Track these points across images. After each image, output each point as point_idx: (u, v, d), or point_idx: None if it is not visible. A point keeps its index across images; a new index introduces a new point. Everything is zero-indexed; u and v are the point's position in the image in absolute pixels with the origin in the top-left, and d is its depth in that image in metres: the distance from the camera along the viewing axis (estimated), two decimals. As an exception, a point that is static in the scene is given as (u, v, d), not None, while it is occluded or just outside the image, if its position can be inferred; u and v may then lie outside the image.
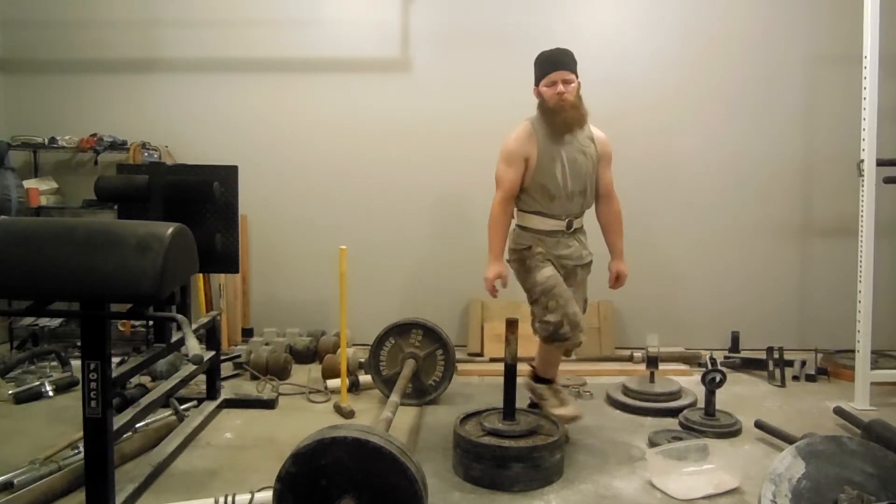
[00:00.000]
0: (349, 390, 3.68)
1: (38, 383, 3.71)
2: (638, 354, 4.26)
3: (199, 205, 3.20)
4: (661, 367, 3.93)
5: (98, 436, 2.26)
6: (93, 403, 2.23)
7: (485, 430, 2.79)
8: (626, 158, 4.58)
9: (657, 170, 4.63)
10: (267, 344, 4.41)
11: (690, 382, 3.89)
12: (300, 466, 2.06)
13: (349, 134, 4.69)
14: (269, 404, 3.60)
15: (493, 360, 4.38)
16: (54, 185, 4.67)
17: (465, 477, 2.72)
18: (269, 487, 2.19)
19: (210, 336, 3.56)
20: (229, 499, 2.42)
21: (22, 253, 2.05)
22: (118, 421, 2.43)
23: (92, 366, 2.22)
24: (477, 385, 4.03)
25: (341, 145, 4.71)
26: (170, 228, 2.17)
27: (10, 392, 3.62)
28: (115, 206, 3.65)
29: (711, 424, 3.24)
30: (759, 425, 3.23)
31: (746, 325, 4.57)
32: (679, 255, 4.68)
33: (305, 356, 4.39)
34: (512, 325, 2.81)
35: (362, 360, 3.96)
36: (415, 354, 3.65)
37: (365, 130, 4.68)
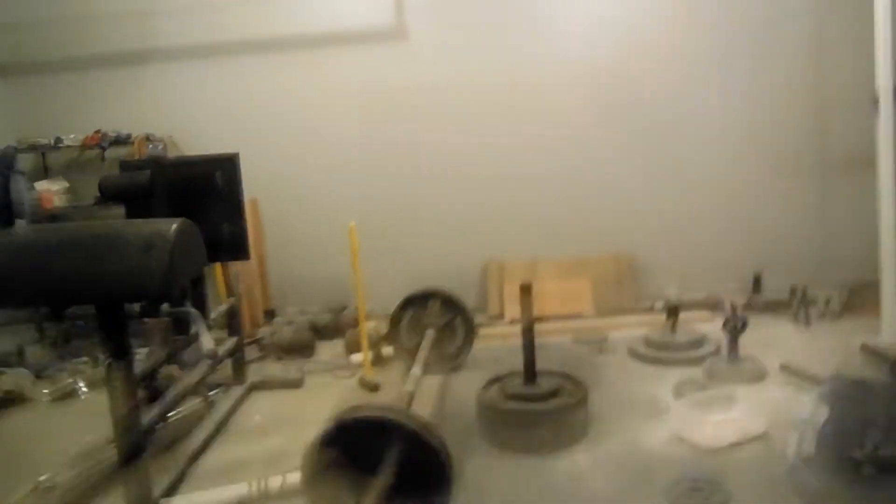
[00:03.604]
0: (373, 363, 3.71)
1: (71, 381, 3.80)
2: (659, 304, 4.21)
3: (203, 196, 3.20)
4: (684, 314, 3.88)
5: (129, 431, 2.31)
6: (120, 401, 2.28)
7: (508, 395, 2.81)
8: (635, 106, 4.54)
9: (668, 116, 4.51)
10: (290, 323, 4.45)
11: (714, 329, 3.85)
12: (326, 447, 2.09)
13: (351, 107, 4.63)
14: (296, 384, 3.65)
15: (513, 321, 4.38)
16: (65, 184, 4.70)
17: (492, 442, 2.75)
18: (299, 470, 2.22)
19: (231, 322, 3.60)
20: (262, 483, 2.48)
21: (29, 262, 2.07)
22: (148, 414, 2.48)
23: (116, 365, 2.26)
24: (498, 349, 4.02)
25: (344, 119, 4.65)
26: (173, 225, 2.17)
27: (44, 391, 3.71)
28: (123, 204, 3.66)
29: (736, 371, 3.22)
30: (785, 367, 3.21)
31: (769, 266, 4.47)
32: (697, 200, 4.58)
33: (328, 332, 4.43)
34: (526, 289, 2.80)
35: (384, 332, 3.98)
36: (435, 323, 3.66)
37: (366, 102, 4.62)
